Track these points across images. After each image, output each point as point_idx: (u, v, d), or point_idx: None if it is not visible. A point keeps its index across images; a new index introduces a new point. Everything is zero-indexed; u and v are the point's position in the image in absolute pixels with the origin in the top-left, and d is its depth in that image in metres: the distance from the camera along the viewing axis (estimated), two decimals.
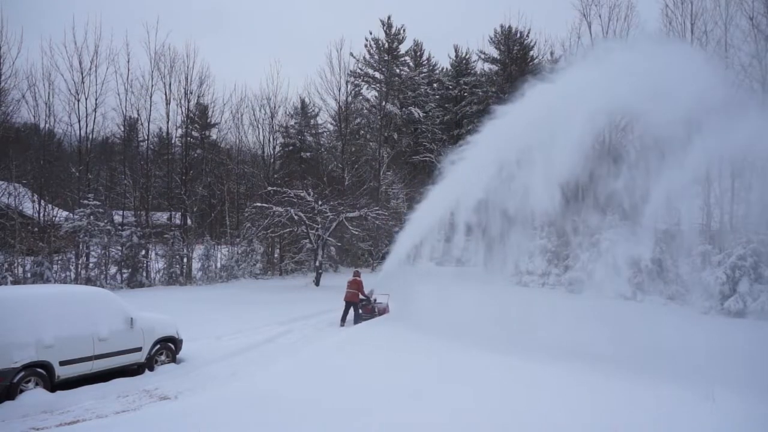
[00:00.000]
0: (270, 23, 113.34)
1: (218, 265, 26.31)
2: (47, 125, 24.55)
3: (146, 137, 29.00)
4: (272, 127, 32.08)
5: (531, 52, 36.61)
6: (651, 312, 17.62)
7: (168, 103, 26.81)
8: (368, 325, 14.26)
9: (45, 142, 25.64)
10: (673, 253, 20.19)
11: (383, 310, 15.99)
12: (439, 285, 16.35)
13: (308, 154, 35.34)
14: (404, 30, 40.54)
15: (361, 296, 15.40)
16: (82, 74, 23.93)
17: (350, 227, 24.79)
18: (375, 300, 16.03)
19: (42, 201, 22.74)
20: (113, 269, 22.86)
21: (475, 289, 16.70)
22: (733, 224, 20.04)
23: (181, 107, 27.77)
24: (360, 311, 15.41)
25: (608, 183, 13.38)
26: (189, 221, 27.98)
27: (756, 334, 14.12)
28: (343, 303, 15.23)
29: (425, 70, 44.17)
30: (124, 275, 23.04)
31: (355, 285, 15.29)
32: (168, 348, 10.10)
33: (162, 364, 9.93)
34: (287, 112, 35.24)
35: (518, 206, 13.80)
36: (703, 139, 10.29)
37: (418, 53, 44.42)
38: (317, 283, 24.44)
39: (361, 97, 39.29)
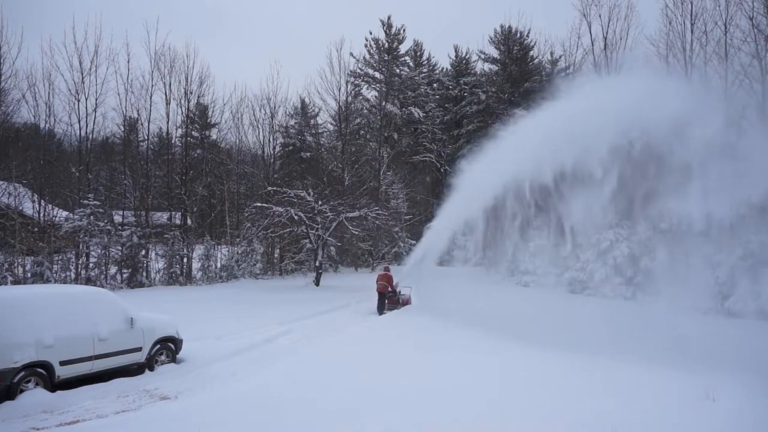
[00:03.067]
0: (270, 23, 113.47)
1: (218, 265, 26.31)
2: (47, 125, 24.63)
3: (146, 137, 29.05)
4: (272, 127, 32.12)
5: (531, 52, 36.62)
6: (651, 312, 17.60)
7: (168, 103, 26.85)
8: (375, 323, 14.63)
9: (45, 142, 25.66)
10: (673, 253, 20.18)
11: (406, 301, 17.75)
12: (444, 283, 17.05)
13: (308, 154, 35.33)
14: (404, 30, 40.55)
15: (389, 288, 17.15)
16: (82, 74, 23.99)
17: (350, 227, 24.78)
18: (400, 292, 17.82)
19: (42, 201, 22.72)
20: (113, 269, 22.85)
21: (479, 287, 17.34)
22: (733, 224, 19.99)
23: (181, 107, 27.82)
24: (386, 302, 17.07)
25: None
26: (189, 221, 27.97)
27: (756, 334, 14.10)
28: (376, 294, 17.11)
29: (425, 70, 44.16)
30: (124, 275, 23.03)
31: (386, 278, 17.14)
32: (168, 348, 10.09)
33: (162, 364, 9.92)
34: (287, 112, 35.27)
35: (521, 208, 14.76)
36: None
37: (418, 53, 44.41)
38: (317, 283, 24.43)
39: (361, 97, 39.29)
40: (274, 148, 33.07)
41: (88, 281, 21.11)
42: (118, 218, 25.20)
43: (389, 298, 17.20)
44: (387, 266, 19.02)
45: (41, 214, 22.60)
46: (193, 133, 32.50)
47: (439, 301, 15.97)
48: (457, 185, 17.26)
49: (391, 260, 32.98)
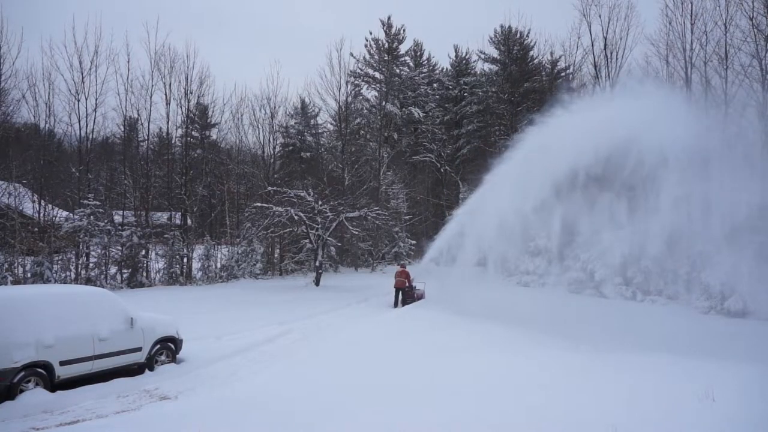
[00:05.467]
0: (270, 23, 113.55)
1: (218, 265, 26.30)
2: (47, 125, 24.57)
3: (146, 137, 28.98)
4: (272, 127, 32.09)
5: (531, 52, 36.59)
6: (652, 312, 17.62)
7: (168, 103, 26.82)
8: (377, 322, 14.76)
9: (45, 142, 25.61)
10: (673, 253, 20.18)
11: (421, 296, 19.20)
12: (446, 281, 18.42)
13: (308, 154, 35.33)
14: (404, 30, 40.56)
15: (407, 284, 18.69)
16: (82, 74, 23.93)
17: (350, 227, 24.77)
18: (415, 287, 19.19)
19: (42, 201, 22.71)
20: (113, 269, 22.83)
21: (481, 286, 18.44)
22: (733, 224, 20.00)
23: (181, 107, 27.79)
24: (404, 296, 18.62)
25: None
26: (189, 221, 27.96)
27: (755, 334, 14.11)
28: (393, 289, 18.78)
29: (425, 70, 44.15)
30: (124, 275, 23.02)
31: (404, 275, 18.73)
32: (168, 348, 10.09)
33: (162, 364, 9.92)
34: (287, 112, 35.28)
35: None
36: None
37: (418, 53, 44.41)
38: (317, 283, 24.42)
39: (361, 97, 39.29)
40: (274, 148, 33.07)
41: (88, 281, 21.10)
42: (118, 218, 25.16)
43: (406, 293, 18.63)
44: (403, 263, 20.95)
45: (41, 214, 22.58)
46: (193, 133, 32.49)
47: (448, 298, 17.24)
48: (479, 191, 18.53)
49: (392, 260, 32.99)
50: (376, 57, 40.22)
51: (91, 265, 22.24)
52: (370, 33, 40.11)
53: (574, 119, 15.31)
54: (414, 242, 33.68)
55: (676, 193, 14.11)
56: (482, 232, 16.88)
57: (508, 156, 17.51)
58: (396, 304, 18.39)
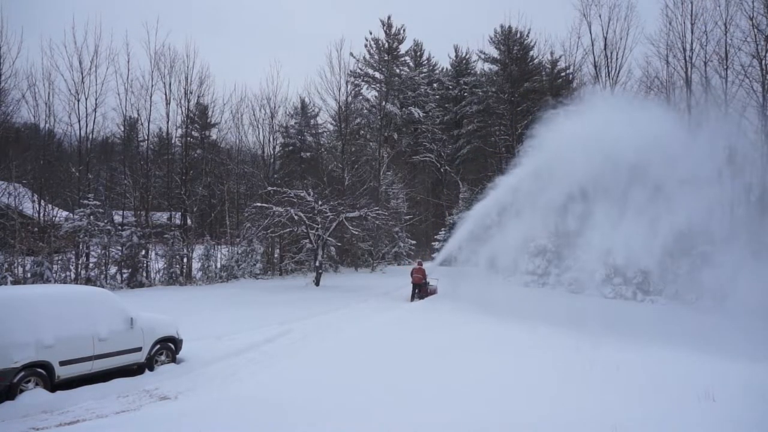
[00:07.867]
0: (270, 23, 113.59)
1: (218, 265, 26.30)
2: (47, 125, 24.57)
3: (146, 137, 28.98)
4: (272, 127, 32.10)
5: (531, 52, 36.60)
6: (652, 312, 17.62)
7: (168, 103, 26.82)
8: (377, 323, 14.84)
9: (45, 142, 25.62)
10: (673, 253, 20.17)
11: (433, 291, 20.63)
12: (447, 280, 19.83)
13: (308, 154, 35.35)
14: (404, 30, 40.63)
15: (424, 280, 20.28)
16: (82, 74, 23.93)
17: (350, 227, 24.77)
18: (428, 283, 20.60)
19: (42, 201, 22.71)
20: (113, 269, 22.83)
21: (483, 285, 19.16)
22: (734, 224, 20.00)
23: (181, 107, 27.79)
24: (419, 291, 20.20)
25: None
26: (189, 221, 27.95)
27: (755, 333, 14.09)
28: (411, 285, 20.32)
29: (425, 70, 44.22)
30: (124, 275, 23.02)
31: (421, 272, 20.39)
32: (168, 348, 10.07)
33: (162, 364, 9.91)
34: (287, 112, 35.31)
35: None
36: None
37: (418, 53, 44.48)
38: (317, 283, 24.42)
39: (361, 97, 39.36)
40: (274, 148, 33.07)
41: (88, 281, 21.10)
42: (118, 218, 25.17)
43: (422, 289, 20.09)
44: (420, 260, 22.99)
45: (41, 214, 22.59)
46: (193, 133, 32.50)
47: (456, 294, 18.59)
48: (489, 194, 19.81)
49: (391, 260, 33.00)
50: (376, 57, 40.26)
51: (91, 265, 22.24)
52: (370, 33, 40.23)
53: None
54: (414, 242, 33.69)
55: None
56: (491, 243, 17.93)
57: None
58: (412, 298, 19.87)
